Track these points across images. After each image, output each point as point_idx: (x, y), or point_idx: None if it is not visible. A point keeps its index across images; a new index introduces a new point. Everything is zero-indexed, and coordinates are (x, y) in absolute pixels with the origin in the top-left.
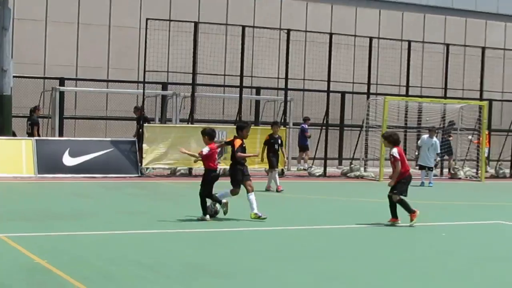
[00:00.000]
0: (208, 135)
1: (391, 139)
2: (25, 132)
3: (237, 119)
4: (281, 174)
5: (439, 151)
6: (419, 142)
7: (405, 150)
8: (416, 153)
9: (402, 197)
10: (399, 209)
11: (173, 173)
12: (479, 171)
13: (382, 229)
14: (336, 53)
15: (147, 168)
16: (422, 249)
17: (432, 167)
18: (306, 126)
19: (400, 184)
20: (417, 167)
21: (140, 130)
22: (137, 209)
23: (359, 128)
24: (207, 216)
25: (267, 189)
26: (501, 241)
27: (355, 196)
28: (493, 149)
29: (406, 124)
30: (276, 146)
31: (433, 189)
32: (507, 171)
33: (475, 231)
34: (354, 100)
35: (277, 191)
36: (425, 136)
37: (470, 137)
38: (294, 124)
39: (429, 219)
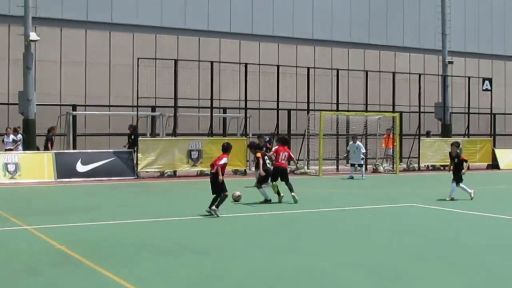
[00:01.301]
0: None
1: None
2: (43, 146)
3: (209, 132)
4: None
5: (363, 151)
6: (348, 147)
7: (337, 152)
8: (345, 155)
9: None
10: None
11: (161, 175)
12: (394, 166)
13: (327, 212)
14: (283, 80)
15: (142, 171)
16: (351, 226)
17: (361, 164)
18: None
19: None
20: (349, 165)
21: (130, 143)
22: (134, 203)
23: (302, 136)
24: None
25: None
26: (414, 218)
27: (301, 188)
28: (404, 149)
29: (337, 132)
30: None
31: (363, 181)
32: (416, 165)
33: (395, 212)
34: (298, 115)
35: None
36: (351, 142)
37: (383, 145)
38: (253, 135)
39: (358, 204)
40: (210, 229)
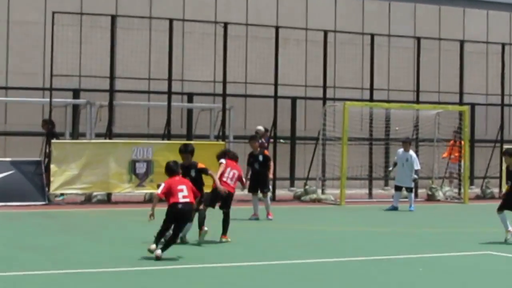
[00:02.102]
0: None
1: None
2: None
3: (166, 132)
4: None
5: (417, 167)
6: (395, 158)
7: (370, 167)
8: (390, 169)
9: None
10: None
11: (88, 200)
12: (462, 190)
13: (349, 263)
14: (284, 51)
15: (57, 195)
16: (393, 286)
17: (411, 188)
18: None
19: None
20: (390, 188)
21: (46, 150)
22: (42, 244)
23: (314, 141)
24: None
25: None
26: (491, 276)
27: (313, 224)
28: (478, 164)
29: (371, 135)
30: (256, 165)
31: (411, 213)
32: (495, 190)
33: (460, 264)
34: (308, 106)
35: (267, 218)
36: (400, 150)
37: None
38: (235, 137)
39: (405, 250)
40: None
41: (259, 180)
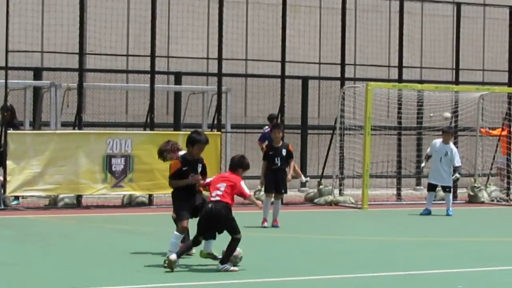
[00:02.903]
0: None
1: None
2: None
3: (148, 120)
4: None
5: (457, 163)
6: (428, 150)
7: (399, 162)
8: (423, 166)
9: None
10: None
11: (53, 204)
12: (511, 191)
13: (375, 280)
14: (294, 20)
15: (14, 198)
16: None
17: (450, 187)
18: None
19: None
20: (423, 188)
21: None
22: None
23: (330, 131)
24: None
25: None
26: None
27: (329, 232)
28: None
29: (400, 123)
30: (277, 160)
31: (449, 218)
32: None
33: (508, 281)
34: (322, 88)
35: (272, 225)
36: (437, 140)
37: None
38: (233, 126)
39: (442, 264)
40: None
41: (278, 178)
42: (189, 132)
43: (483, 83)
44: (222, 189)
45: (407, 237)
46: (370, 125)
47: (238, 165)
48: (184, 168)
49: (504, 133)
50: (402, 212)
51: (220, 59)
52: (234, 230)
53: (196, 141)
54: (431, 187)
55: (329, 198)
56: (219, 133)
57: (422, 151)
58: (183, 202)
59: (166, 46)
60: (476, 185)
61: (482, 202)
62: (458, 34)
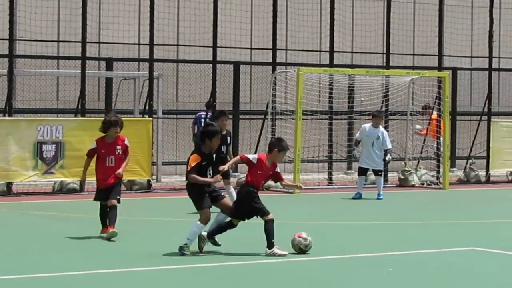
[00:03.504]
0: None
1: None
2: None
3: (79, 106)
4: None
5: (389, 146)
6: (358, 134)
7: (330, 147)
8: (353, 150)
9: None
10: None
11: None
12: (441, 174)
13: (307, 264)
14: (225, 5)
15: None
16: None
17: (381, 171)
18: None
19: None
20: (353, 172)
21: None
22: None
23: (262, 116)
24: None
25: None
26: (474, 278)
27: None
28: (461, 141)
29: (331, 107)
30: (223, 148)
31: (380, 202)
32: (481, 173)
33: (437, 263)
34: (254, 73)
35: None
36: (367, 125)
37: (418, 126)
38: (164, 112)
39: (373, 247)
40: None
41: (224, 165)
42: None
43: (413, 68)
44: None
45: (339, 221)
46: (302, 109)
47: (275, 144)
48: (203, 163)
49: (434, 117)
50: (333, 196)
51: (151, 44)
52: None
53: (214, 134)
54: (362, 171)
55: None
56: (151, 119)
57: (354, 135)
58: (202, 192)
59: (97, 32)
60: (406, 168)
61: (413, 186)
62: (388, 19)
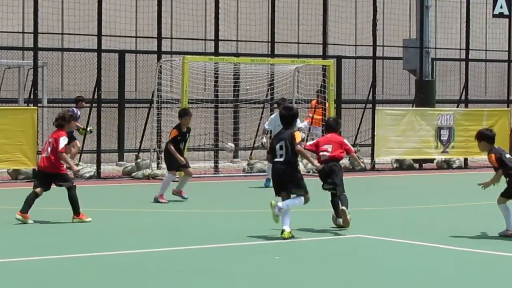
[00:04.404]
0: None
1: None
2: None
3: None
4: None
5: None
6: (267, 124)
7: (216, 135)
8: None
9: None
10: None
11: None
12: None
13: (192, 252)
14: None
15: None
16: (238, 280)
17: None
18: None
19: None
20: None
21: None
22: None
23: (147, 105)
24: None
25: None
26: (364, 263)
27: (146, 206)
28: (346, 128)
29: (217, 96)
30: (181, 145)
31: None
32: (366, 160)
33: (323, 250)
34: (139, 62)
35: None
36: (273, 115)
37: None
38: (50, 100)
39: (260, 235)
40: None
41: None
42: (4, 108)
43: (298, 56)
44: (330, 149)
45: (225, 209)
46: (187, 98)
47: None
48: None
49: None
50: (219, 184)
51: (35, 33)
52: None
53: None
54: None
55: (147, 171)
56: (36, 108)
57: (239, 123)
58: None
59: None
60: None
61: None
62: (273, 7)
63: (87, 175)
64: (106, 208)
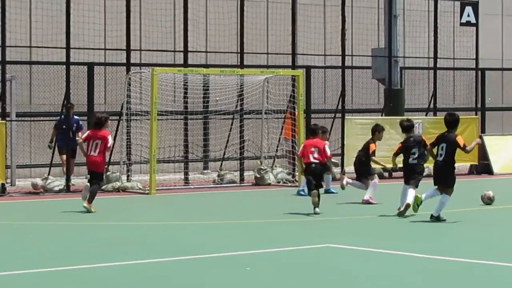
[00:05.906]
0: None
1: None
2: None
3: None
4: None
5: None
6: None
7: (186, 147)
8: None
9: None
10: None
11: None
12: (296, 173)
13: (161, 264)
14: (78, 6)
15: None
16: None
17: None
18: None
19: None
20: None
21: None
22: None
23: (117, 117)
24: None
25: None
26: (329, 274)
27: (115, 218)
28: None
29: (186, 107)
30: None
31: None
32: (336, 170)
33: (294, 261)
34: (108, 74)
35: None
36: None
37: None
38: (18, 114)
39: (230, 246)
40: None
41: None
42: None
43: (267, 66)
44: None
45: (196, 221)
46: (157, 110)
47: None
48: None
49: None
50: (189, 196)
51: (3, 46)
52: None
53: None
54: None
55: (117, 184)
56: (4, 122)
57: (209, 135)
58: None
59: None
60: (262, 167)
61: (269, 184)
62: (242, 18)
63: (57, 188)
64: (76, 222)
